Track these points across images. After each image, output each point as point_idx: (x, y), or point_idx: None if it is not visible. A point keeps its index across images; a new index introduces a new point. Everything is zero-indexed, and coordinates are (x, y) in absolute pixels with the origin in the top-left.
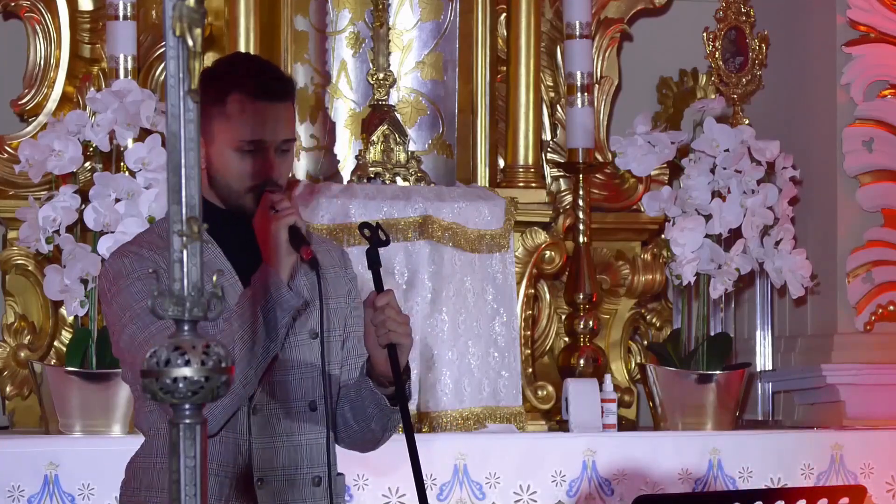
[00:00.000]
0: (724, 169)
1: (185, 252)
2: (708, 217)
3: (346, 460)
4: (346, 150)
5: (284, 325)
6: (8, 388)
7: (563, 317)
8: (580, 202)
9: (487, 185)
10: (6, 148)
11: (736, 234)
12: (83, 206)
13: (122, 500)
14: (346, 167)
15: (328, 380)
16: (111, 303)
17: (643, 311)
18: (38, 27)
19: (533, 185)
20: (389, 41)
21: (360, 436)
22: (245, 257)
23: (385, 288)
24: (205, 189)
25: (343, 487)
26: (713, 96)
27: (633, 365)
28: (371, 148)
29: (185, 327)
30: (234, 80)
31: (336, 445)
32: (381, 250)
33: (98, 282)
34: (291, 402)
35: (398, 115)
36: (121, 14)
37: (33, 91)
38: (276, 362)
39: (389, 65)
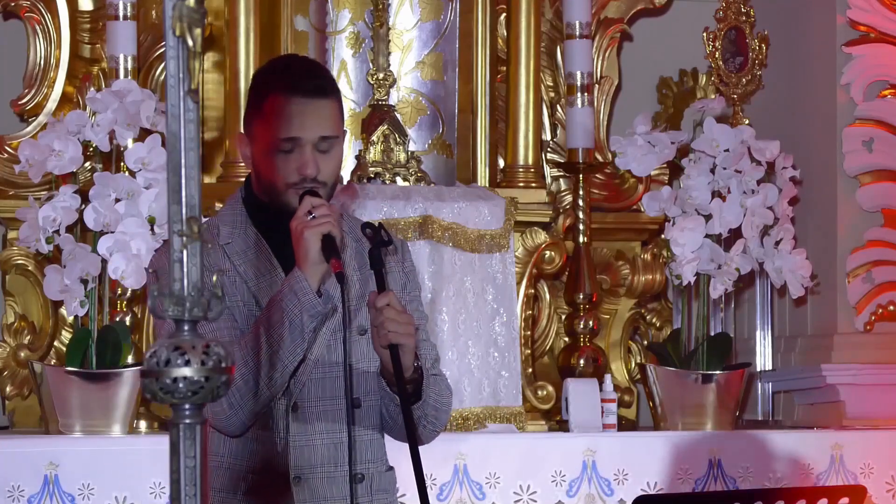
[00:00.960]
0: (724, 169)
1: (184, 252)
2: (708, 217)
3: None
4: (345, 150)
5: (311, 330)
6: (8, 388)
7: (563, 317)
8: (580, 202)
9: (487, 185)
10: (6, 148)
11: (736, 234)
12: (83, 206)
13: None
14: (346, 167)
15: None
16: None
17: (643, 311)
18: (38, 27)
19: (533, 185)
20: (389, 41)
21: (400, 431)
22: (292, 253)
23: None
24: (254, 188)
25: (391, 483)
26: (713, 96)
27: (633, 365)
28: (371, 148)
29: (185, 327)
30: (271, 80)
31: (386, 439)
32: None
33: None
34: (335, 400)
35: (398, 115)
36: (121, 14)
37: (33, 91)
38: (320, 360)
39: (389, 65)
